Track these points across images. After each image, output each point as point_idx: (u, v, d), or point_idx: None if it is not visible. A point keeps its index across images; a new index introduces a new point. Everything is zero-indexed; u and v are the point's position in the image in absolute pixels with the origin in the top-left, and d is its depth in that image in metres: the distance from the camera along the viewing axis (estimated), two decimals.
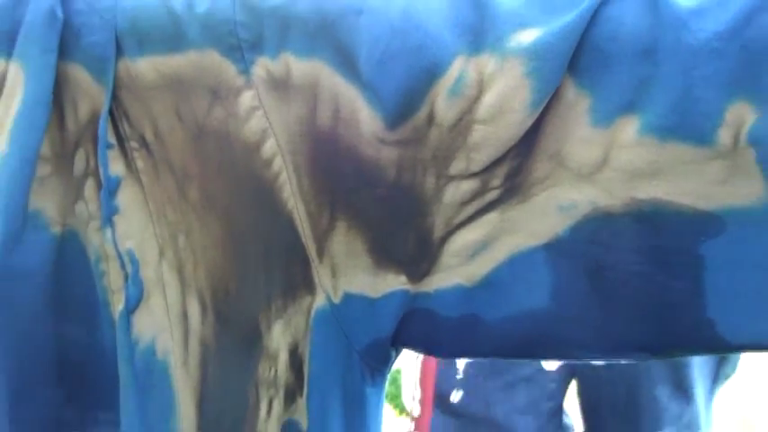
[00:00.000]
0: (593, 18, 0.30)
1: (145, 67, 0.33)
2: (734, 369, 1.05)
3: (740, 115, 0.29)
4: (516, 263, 0.33)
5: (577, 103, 0.31)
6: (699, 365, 0.99)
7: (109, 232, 0.34)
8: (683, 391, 0.99)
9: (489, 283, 0.33)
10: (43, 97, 0.33)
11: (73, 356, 0.36)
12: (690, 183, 0.30)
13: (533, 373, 1.00)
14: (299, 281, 0.34)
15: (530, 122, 0.31)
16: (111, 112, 0.34)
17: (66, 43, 0.34)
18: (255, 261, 0.34)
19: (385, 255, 0.34)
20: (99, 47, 0.33)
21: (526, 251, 0.33)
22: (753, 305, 0.31)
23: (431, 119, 0.31)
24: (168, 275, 0.35)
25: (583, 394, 1.04)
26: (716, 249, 0.30)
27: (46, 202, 0.35)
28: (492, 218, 0.33)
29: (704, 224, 0.30)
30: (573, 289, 0.33)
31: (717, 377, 1.02)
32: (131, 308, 0.35)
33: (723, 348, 0.32)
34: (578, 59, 0.31)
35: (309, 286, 0.34)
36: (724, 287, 0.31)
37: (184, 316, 0.35)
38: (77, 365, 0.36)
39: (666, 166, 0.30)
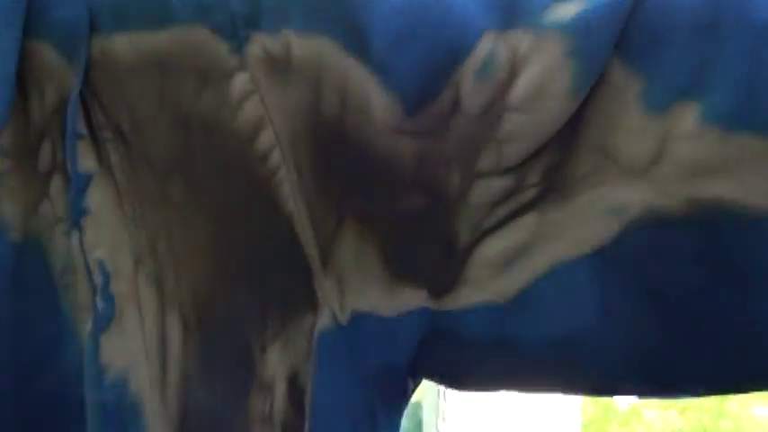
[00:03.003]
0: None
1: (122, 44, 0.31)
2: None
3: None
4: (557, 276, 0.31)
5: (627, 86, 0.29)
6: None
7: (76, 238, 0.32)
8: None
9: (526, 301, 0.31)
10: (5, 79, 0.31)
11: (34, 385, 0.33)
12: (760, 180, 0.28)
13: None
14: (298, 296, 0.32)
15: (572, 110, 0.29)
16: (82, 98, 0.32)
17: (33, 18, 0.31)
18: (248, 272, 0.32)
19: (402, 265, 0.32)
20: (69, 21, 0.31)
21: (569, 262, 0.31)
22: None
23: (455, 106, 0.30)
24: (145, 290, 0.32)
25: None
26: None
27: (4, 204, 0.32)
28: (528, 221, 0.31)
29: None
30: (623, 308, 0.31)
31: None
32: (101, 328, 0.32)
33: None
34: (627, 36, 0.29)
35: (311, 302, 0.32)
36: None
37: (163, 339, 0.32)
38: (39, 394, 0.33)
39: (732, 161, 0.29)
